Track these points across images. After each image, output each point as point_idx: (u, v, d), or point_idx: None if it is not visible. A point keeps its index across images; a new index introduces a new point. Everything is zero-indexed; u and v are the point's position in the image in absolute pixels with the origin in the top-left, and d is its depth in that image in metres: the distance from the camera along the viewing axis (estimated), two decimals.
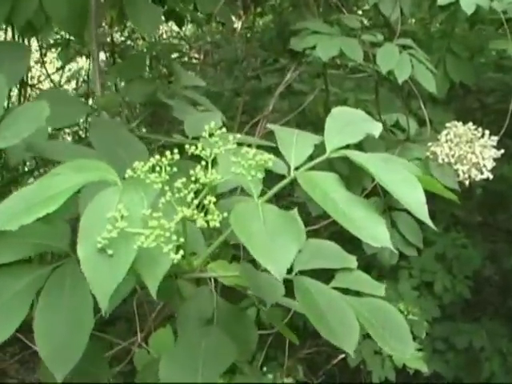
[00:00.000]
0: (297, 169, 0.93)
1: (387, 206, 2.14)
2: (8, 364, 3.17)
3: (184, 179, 0.82)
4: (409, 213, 1.98)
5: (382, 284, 1.13)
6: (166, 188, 0.83)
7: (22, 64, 1.11)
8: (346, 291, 1.03)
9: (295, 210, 1.11)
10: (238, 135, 0.88)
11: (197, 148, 0.87)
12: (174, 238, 0.78)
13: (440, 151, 1.78)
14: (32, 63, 3.78)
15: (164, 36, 4.01)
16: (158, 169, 0.84)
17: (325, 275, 1.05)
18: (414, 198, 0.85)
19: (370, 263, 2.31)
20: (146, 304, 2.20)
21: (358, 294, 1.05)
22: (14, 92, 2.89)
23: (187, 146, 0.86)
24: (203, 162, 0.86)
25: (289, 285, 1.06)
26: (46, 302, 0.89)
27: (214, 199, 0.82)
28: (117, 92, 1.71)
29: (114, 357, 2.23)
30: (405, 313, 2.38)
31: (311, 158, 0.95)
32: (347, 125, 0.97)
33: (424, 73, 1.93)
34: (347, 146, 0.95)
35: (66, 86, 4.09)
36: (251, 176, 0.86)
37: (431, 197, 0.88)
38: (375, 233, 0.82)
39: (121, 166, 0.91)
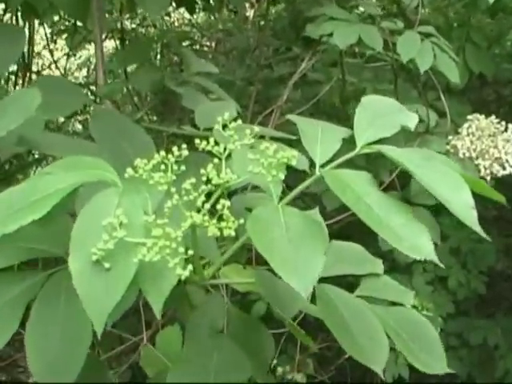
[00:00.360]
0: (322, 166, 0.79)
1: (405, 200, 2.01)
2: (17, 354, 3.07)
3: (193, 180, 0.69)
4: (427, 208, 1.89)
5: (411, 291, 1.01)
6: (173, 190, 0.69)
7: (16, 47, 0.98)
8: (371, 299, 0.93)
9: (316, 210, 0.99)
10: (256, 128, 0.74)
11: (208, 143, 0.73)
12: (182, 250, 0.64)
13: (461, 145, 1.71)
14: (41, 49, 3.66)
15: (176, 24, 3.88)
16: (163, 167, 0.70)
17: (344, 278, 0.95)
18: (460, 201, 0.71)
19: (382, 257, 2.19)
20: None
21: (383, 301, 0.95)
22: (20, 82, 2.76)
23: (197, 141, 0.72)
24: (216, 160, 0.72)
25: None
26: (40, 313, 0.77)
27: (228, 203, 0.69)
28: (126, 79, 1.57)
29: (123, 351, 2.14)
30: (419, 308, 2.27)
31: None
32: (380, 116, 0.84)
33: (447, 62, 1.80)
34: (379, 141, 0.82)
35: (76, 74, 3.96)
36: (272, 176, 0.72)
37: None
38: (417, 243, 0.68)
39: (124, 160, 0.80)
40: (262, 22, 2.97)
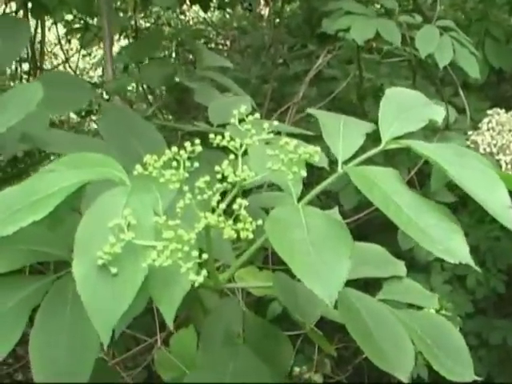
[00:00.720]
0: (345, 163, 0.73)
1: None
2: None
3: (207, 177, 0.63)
4: (447, 205, 1.83)
5: (435, 295, 0.97)
6: (185, 188, 0.63)
7: (20, 40, 0.93)
8: (394, 303, 0.87)
9: (336, 210, 0.93)
10: (275, 122, 0.67)
11: (223, 138, 0.66)
12: (195, 253, 0.58)
13: (481, 140, 1.66)
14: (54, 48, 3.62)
15: (191, 23, 3.82)
16: (175, 164, 0.64)
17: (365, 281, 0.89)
18: (496, 200, 0.64)
19: (400, 255, 2.14)
20: None
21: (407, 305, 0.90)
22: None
23: (212, 136, 0.66)
24: (231, 156, 0.65)
25: None
26: (45, 320, 0.71)
27: (246, 203, 0.62)
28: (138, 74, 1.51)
29: (138, 351, 2.10)
30: (437, 308, 2.21)
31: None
32: (405, 110, 0.77)
33: (467, 57, 1.73)
34: (404, 136, 0.75)
35: (91, 73, 3.91)
36: (293, 173, 0.66)
37: None
38: (451, 246, 0.62)
39: (134, 159, 0.72)
40: (277, 20, 2.91)
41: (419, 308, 0.90)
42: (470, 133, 1.70)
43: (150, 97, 2.73)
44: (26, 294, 0.72)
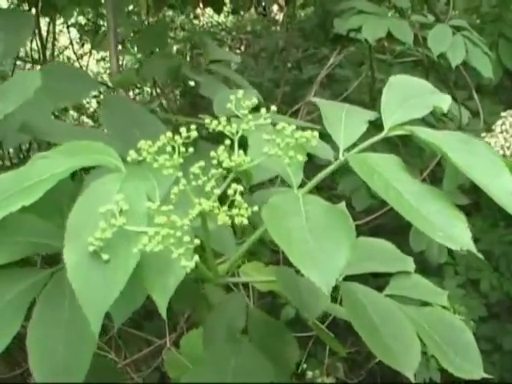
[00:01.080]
0: (348, 150, 0.70)
1: None
2: None
3: (202, 163, 0.60)
4: (461, 209, 1.80)
5: (444, 291, 0.94)
6: (180, 174, 0.61)
7: (24, 32, 0.92)
8: (401, 299, 0.85)
9: (343, 204, 0.90)
10: (273, 107, 0.65)
11: (220, 123, 0.64)
12: (187, 239, 0.56)
13: (494, 142, 1.63)
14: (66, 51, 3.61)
15: (205, 27, 3.81)
16: (169, 150, 0.62)
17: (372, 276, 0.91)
18: (500, 186, 0.61)
19: (413, 258, 2.11)
20: None
21: (414, 301, 0.87)
22: None
23: (207, 120, 0.64)
24: (228, 141, 0.63)
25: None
26: (43, 313, 0.69)
27: (241, 188, 0.60)
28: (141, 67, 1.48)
29: (150, 353, 2.09)
30: (451, 311, 2.18)
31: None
32: (410, 97, 0.75)
33: (480, 57, 1.70)
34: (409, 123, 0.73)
35: (105, 77, 3.90)
36: (289, 158, 0.63)
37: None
38: (453, 232, 0.59)
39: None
40: (290, 24, 2.89)
41: (427, 304, 0.87)
42: (483, 135, 1.68)
43: (163, 102, 2.72)
44: (25, 288, 0.70)
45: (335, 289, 0.81)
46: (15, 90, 0.74)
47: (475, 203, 2.38)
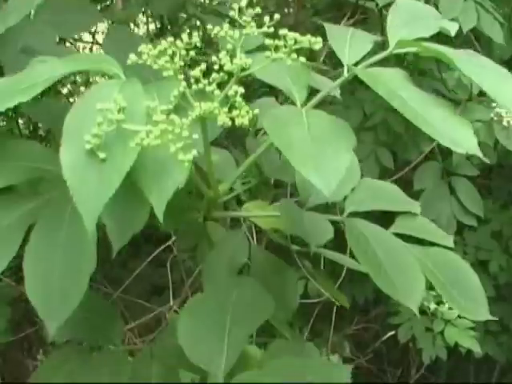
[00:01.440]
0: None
1: (446, 171, 1.91)
2: None
3: (203, 66, 0.59)
4: (469, 178, 1.78)
5: (450, 236, 0.91)
6: (180, 77, 0.59)
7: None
8: (407, 239, 0.83)
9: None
10: (277, 15, 0.63)
11: (222, 29, 0.63)
12: (186, 133, 0.54)
13: (505, 113, 1.59)
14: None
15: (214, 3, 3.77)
16: (170, 52, 0.60)
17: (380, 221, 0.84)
18: (507, 94, 0.60)
19: (422, 242, 2.09)
20: (184, 272, 1.99)
21: (421, 243, 0.85)
22: None
23: (210, 27, 0.62)
24: (229, 46, 0.62)
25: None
26: (41, 236, 0.68)
27: (242, 90, 0.58)
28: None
29: (148, 325, 2.07)
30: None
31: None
32: (417, 19, 0.73)
33: (491, 23, 1.67)
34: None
35: None
36: (292, 60, 0.62)
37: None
38: (459, 137, 0.58)
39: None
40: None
41: (433, 245, 0.85)
42: (493, 105, 1.66)
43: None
44: (22, 213, 0.69)
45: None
46: (16, 5, 0.73)
47: (486, 185, 2.36)
